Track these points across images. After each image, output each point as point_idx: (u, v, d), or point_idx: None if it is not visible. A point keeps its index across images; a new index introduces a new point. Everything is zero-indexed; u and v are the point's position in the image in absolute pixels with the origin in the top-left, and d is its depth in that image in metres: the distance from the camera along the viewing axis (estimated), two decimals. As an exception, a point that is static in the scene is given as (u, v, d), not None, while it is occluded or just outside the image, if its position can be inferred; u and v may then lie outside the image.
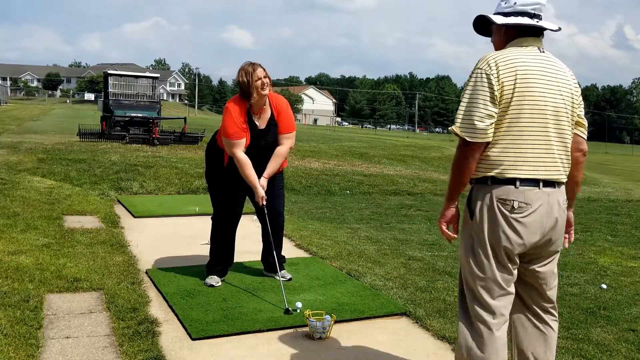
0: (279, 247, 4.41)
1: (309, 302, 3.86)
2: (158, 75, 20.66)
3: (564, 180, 2.37)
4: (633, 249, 6.22)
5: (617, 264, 5.46)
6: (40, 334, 3.12)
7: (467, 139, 2.23)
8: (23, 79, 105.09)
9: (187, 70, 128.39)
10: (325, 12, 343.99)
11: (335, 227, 6.63)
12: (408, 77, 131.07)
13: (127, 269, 4.36)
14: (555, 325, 2.52)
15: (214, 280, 4.15)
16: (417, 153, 20.32)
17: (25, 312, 3.36)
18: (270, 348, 3.19)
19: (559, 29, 2.37)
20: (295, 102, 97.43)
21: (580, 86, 2.45)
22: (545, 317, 2.49)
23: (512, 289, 2.38)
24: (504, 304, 2.35)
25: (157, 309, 3.65)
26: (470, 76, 2.28)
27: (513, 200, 2.25)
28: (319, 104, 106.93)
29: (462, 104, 2.27)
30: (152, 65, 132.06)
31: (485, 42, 2.53)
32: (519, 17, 2.31)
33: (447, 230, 2.45)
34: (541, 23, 2.32)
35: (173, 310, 3.62)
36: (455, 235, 2.47)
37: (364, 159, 16.41)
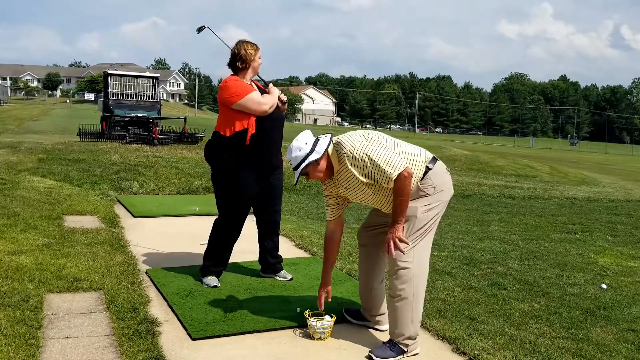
0: (276, 247, 4.43)
1: (309, 302, 3.85)
2: (158, 75, 20.68)
3: None
4: (633, 249, 6.22)
5: (617, 264, 5.46)
6: (40, 334, 3.12)
7: (407, 172, 3.03)
8: (23, 79, 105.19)
9: (187, 70, 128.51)
10: (325, 12, 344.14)
11: (335, 227, 6.61)
12: (408, 77, 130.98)
13: (127, 269, 4.35)
14: None
15: (214, 281, 4.15)
16: (417, 153, 20.29)
17: (25, 312, 3.36)
18: (270, 348, 3.19)
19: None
20: (295, 102, 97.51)
21: None
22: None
23: None
24: None
25: (157, 309, 3.65)
26: (365, 151, 3.14)
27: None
28: (319, 103, 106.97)
29: (383, 161, 3.05)
30: (152, 65, 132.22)
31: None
32: None
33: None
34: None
35: (173, 310, 3.62)
36: None
37: (364, 159, 16.38)
